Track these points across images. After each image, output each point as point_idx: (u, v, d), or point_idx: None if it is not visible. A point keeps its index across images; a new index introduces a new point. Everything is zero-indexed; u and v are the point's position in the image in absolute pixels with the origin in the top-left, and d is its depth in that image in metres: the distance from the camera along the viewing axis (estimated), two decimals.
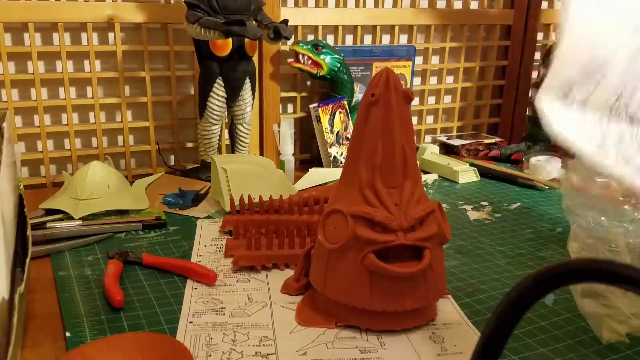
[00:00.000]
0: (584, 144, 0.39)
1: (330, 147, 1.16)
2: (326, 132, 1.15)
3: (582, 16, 0.37)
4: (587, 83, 0.38)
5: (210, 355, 0.55)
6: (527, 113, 1.48)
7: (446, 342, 0.59)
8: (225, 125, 1.16)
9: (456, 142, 1.36)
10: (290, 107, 1.32)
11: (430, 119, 1.48)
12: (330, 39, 1.30)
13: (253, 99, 1.11)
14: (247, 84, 1.07)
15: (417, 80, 1.43)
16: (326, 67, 1.18)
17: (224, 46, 1.01)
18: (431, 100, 1.47)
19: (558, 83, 0.38)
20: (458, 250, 0.81)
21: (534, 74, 1.52)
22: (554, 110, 0.39)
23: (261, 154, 1.25)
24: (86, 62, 1.12)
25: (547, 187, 1.11)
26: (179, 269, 0.72)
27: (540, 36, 1.52)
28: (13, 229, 0.62)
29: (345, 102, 1.20)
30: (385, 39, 1.36)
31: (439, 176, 1.17)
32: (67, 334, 0.58)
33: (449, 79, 1.48)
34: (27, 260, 0.59)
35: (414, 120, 1.43)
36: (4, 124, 0.67)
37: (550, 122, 0.38)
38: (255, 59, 1.09)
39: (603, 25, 0.38)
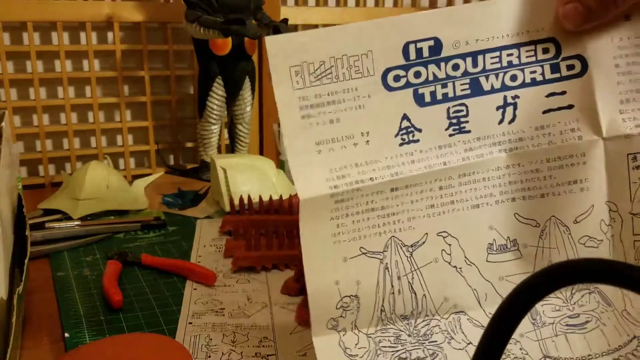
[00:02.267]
0: None
1: None
2: None
3: (316, 260, 0.44)
4: (349, 313, 0.44)
5: (209, 356, 0.55)
6: None
7: None
8: (225, 125, 1.16)
9: None
10: None
11: None
12: None
13: (253, 98, 1.10)
14: (247, 84, 1.07)
15: None
16: None
17: (224, 45, 1.01)
18: None
19: (324, 321, 0.44)
20: None
21: None
22: (333, 349, 0.44)
23: (261, 154, 1.25)
24: (85, 62, 1.12)
25: None
26: (178, 270, 0.72)
27: None
28: (11, 229, 0.62)
29: None
30: None
31: None
32: (66, 335, 0.58)
33: None
34: (26, 260, 0.59)
35: None
36: (3, 124, 0.66)
37: None
38: (255, 58, 1.09)
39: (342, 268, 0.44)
